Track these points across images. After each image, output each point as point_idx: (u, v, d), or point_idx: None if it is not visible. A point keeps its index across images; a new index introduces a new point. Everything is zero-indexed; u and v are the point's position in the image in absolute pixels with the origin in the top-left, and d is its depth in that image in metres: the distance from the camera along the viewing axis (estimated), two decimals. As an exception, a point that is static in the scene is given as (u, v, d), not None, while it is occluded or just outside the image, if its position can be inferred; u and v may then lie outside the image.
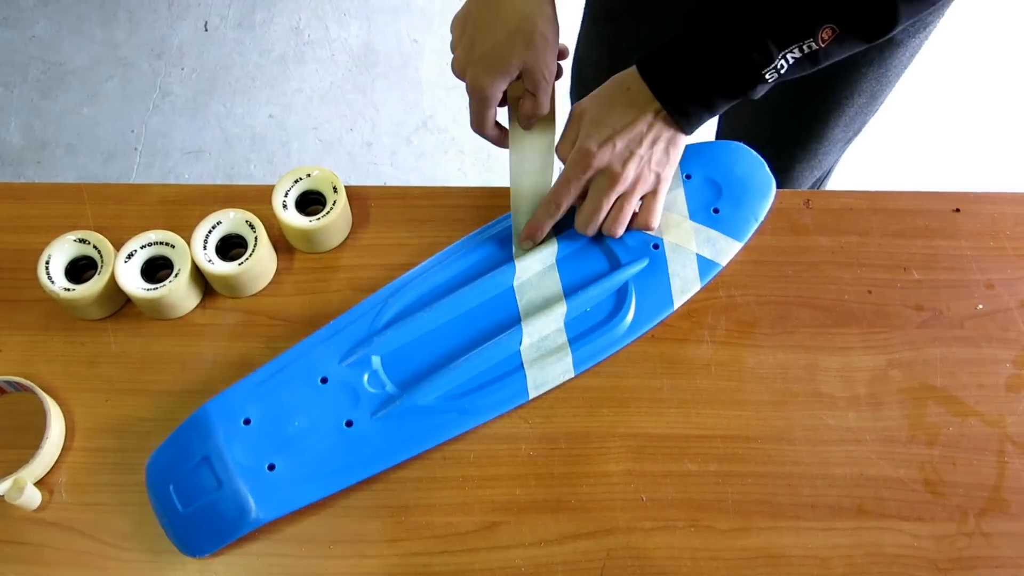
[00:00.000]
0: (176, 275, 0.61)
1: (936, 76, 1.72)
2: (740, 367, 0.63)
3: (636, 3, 0.84)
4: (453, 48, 0.63)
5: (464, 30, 0.61)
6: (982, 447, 0.61)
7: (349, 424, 0.58)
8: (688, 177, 0.69)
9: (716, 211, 0.67)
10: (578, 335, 0.62)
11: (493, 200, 0.70)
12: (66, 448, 0.59)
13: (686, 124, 0.59)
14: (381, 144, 1.68)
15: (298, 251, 0.68)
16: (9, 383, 0.60)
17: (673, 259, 0.65)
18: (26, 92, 1.72)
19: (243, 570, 0.56)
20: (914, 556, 0.57)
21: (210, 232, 0.63)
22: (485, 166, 1.64)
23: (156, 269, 0.63)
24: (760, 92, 0.57)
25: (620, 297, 0.64)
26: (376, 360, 0.61)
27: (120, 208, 0.69)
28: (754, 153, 0.70)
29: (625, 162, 0.59)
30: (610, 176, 0.60)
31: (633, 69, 0.60)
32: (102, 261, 0.62)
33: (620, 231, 0.63)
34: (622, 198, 0.62)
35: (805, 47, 0.54)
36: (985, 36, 1.81)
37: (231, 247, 0.65)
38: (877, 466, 0.60)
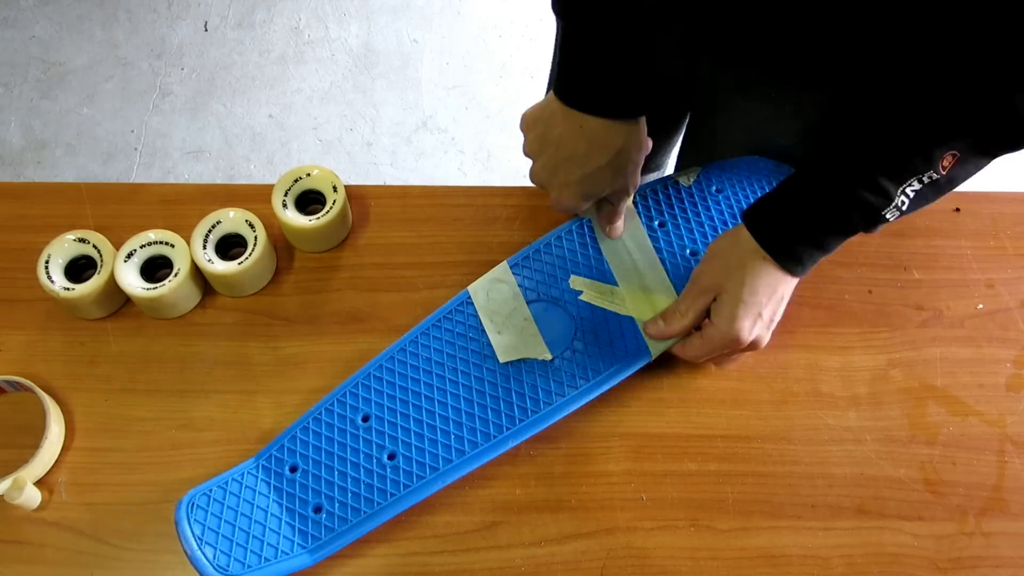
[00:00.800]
0: (176, 274, 0.61)
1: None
2: (740, 367, 0.63)
3: None
4: (530, 155, 0.60)
5: (545, 148, 0.59)
6: (982, 447, 0.61)
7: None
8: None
9: None
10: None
11: (492, 200, 0.70)
12: (66, 448, 0.59)
13: (800, 270, 0.55)
14: (381, 144, 1.67)
15: (298, 251, 0.68)
16: (9, 383, 0.60)
17: None
18: (26, 92, 1.71)
19: (243, 570, 0.56)
20: (914, 556, 0.57)
21: (210, 232, 0.63)
22: (485, 166, 1.64)
23: (156, 268, 0.63)
24: (879, 228, 0.53)
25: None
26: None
27: (120, 208, 0.69)
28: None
29: (759, 325, 0.56)
30: (741, 344, 0.56)
31: (742, 230, 0.56)
32: (102, 261, 0.62)
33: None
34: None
35: (925, 178, 0.50)
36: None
37: (231, 247, 0.65)
38: (877, 466, 0.60)
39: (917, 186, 0.50)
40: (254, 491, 0.56)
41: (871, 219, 0.51)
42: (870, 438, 0.61)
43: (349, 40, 1.80)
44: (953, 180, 0.51)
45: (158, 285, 0.61)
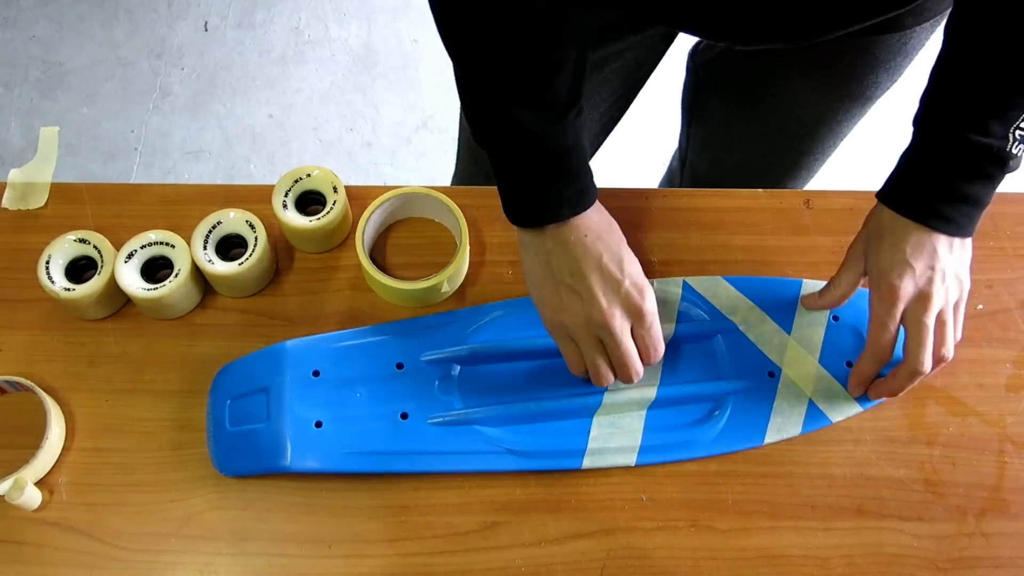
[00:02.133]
0: (176, 275, 0.61)
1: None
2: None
3: None
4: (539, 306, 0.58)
5: (544, 284, 0.56)
6: (982, 447, 0.61)
7: (404, 417, 0.59)
8: (836, 319, 0.64)
9: (848, 364, 0.62)
10: (655, 427, 0.59)
11: (492, 200, 0.69)
12: (66, 448, 0.59)
13: (957, 229, 0.55)
14: (381, 144, 1.68)
15: (298, 251, 0.68)
16: (9, 383, 0.60)
17: (784, 394, 0.61)
18: (26, 92, 1.71)
19: (243, 570, 0.56)
20: (914, 556, 0.57)
21: (210, 232, 0.63)
22: (485, 166, 1.64)
23: (156, 269, 0.63)
24: (1016, 165, 0.54)
25: (713, 408, 0.60)
26: (456, 369, 0.61)
27: (120, 208, 0.69)
28: None
29: (930, 280, 0.55)
30: (922, 299, 0.55)
31: (881, 210, 0.57)
32: (102, 261, 0.62)
33: (951, 352, 0.57)
34: (941, 315, 0.56)
35: None
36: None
37: (231, 247, 0.65)
38: (877, 466, 0.60)
39: None
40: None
41: (998, 160, 0.52)
42: (870, 438, 0.61)
43: (349, 40, 1.80)
44: None
45: (158, 285, 0.61)
